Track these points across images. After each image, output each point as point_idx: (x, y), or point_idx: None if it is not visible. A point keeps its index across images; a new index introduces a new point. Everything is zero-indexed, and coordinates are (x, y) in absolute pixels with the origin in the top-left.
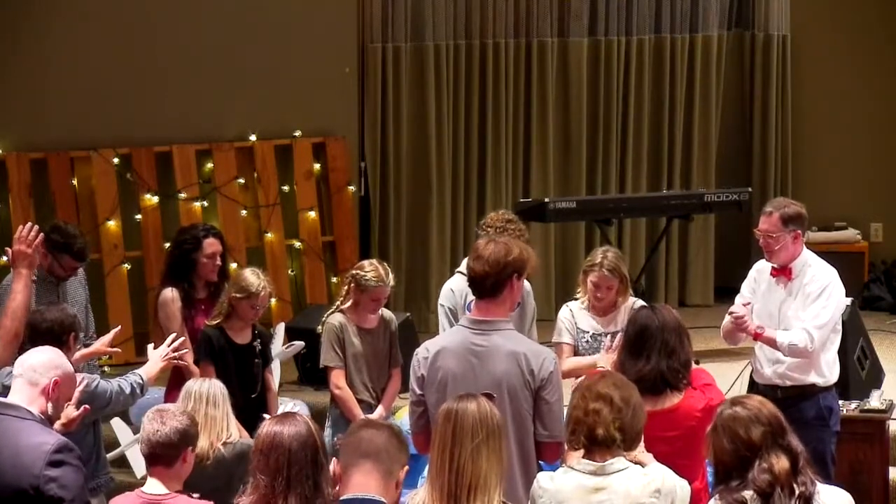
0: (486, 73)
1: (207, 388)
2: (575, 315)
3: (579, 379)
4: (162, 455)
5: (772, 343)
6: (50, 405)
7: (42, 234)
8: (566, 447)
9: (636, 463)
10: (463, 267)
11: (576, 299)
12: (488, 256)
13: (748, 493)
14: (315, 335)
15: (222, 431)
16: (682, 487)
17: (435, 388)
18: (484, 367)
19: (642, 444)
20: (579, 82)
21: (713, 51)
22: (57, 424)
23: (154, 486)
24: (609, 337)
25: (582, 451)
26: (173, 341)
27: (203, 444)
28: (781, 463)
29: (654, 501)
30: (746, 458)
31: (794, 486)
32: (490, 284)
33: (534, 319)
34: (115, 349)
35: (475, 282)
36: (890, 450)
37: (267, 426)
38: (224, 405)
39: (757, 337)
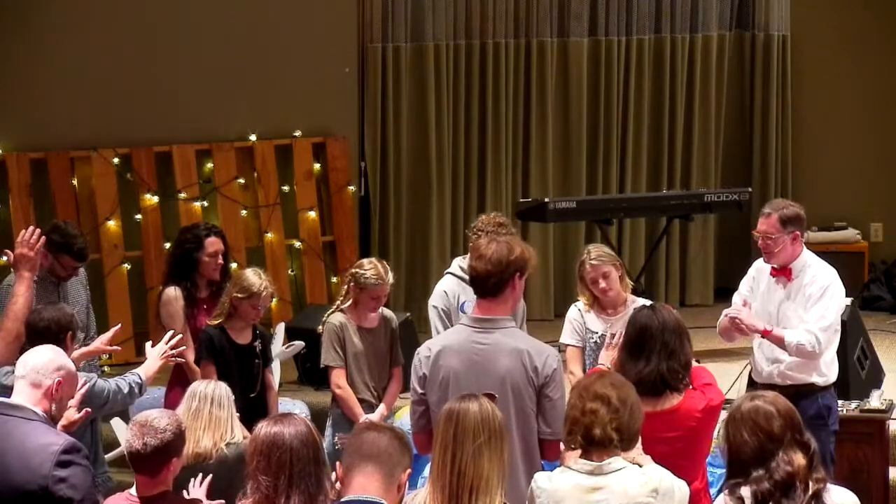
0: (486, 73)
1: (213, 390)
2: (584, 315)
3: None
4: (143, 468)
5: (779, 342)
6: (53, 405)
7: (44, 236)
8: (563, 447)
9: (634, 464)
10: (454, 268)
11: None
12: (490, 256)
13: (753, 489)
14: (315, 335)
15: (226, 432)
16: (679, 488)
17: (437, 387)
18: (487, 365)
19: (640, 445)
20: (579, 82)
21: (713, 51)
22: (58, 426)
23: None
24: (610, 335)
25: (579, 451)
26: (171, 339)
27: (207, 443)
28: (799, 458)
29: (652, 501)
30: (768, 450)
31: (810, 482)
32: (493, 284)
33: (524, 319)
34: (114, 348)
35: (477, 281)
36: (890, 450)
37: (265, 427)
38: (229, 407)
39: (766, 335)
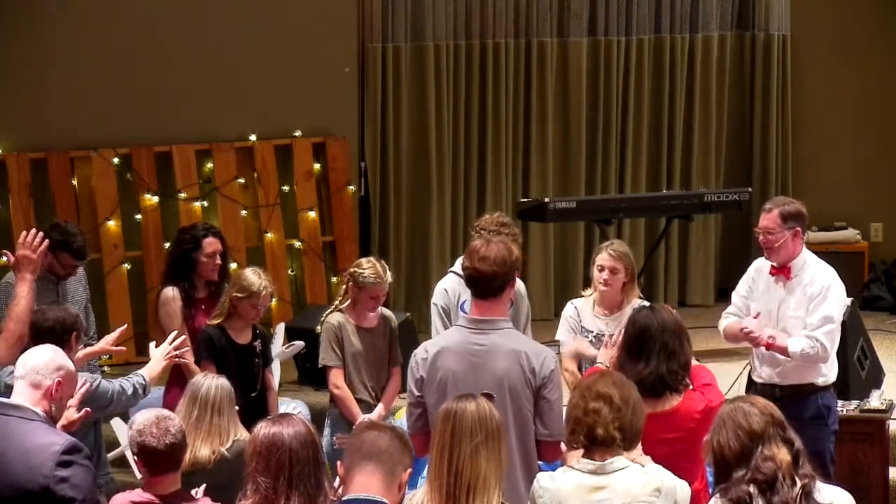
0: (486, 73)
1: (214, 394)
2: (580, 312)
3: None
4: (162, 465)
5: (783, 352)
6: (53, 406)
7: (46, 239)
8: (565, 447)
9: (635, 464)
10: (457, 267)
11: (581, 296)
12: (495, 257)
13: (750, 488)
14: (315, 335)
15: (227, 439)
16: (682, 487)
17: (435, 389)
18: (485, 367)
19: (640, 446)
20: (579, 82)
21: (713, 51)
22: (58, 425)
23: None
24: (608, 334)
25: (581, 451)
26: (174, 339)
27: (205, 452)
28: (783, 453)
29: (654, 500)
30: (749, 448)
31: (796, 477)
32: (498, 284)
33: (528, 321)
34: (118, 348)
35: (481, 282)
36: (890, 450)
37: (263, 428)
38: (230, 408)
39: (769, 347)
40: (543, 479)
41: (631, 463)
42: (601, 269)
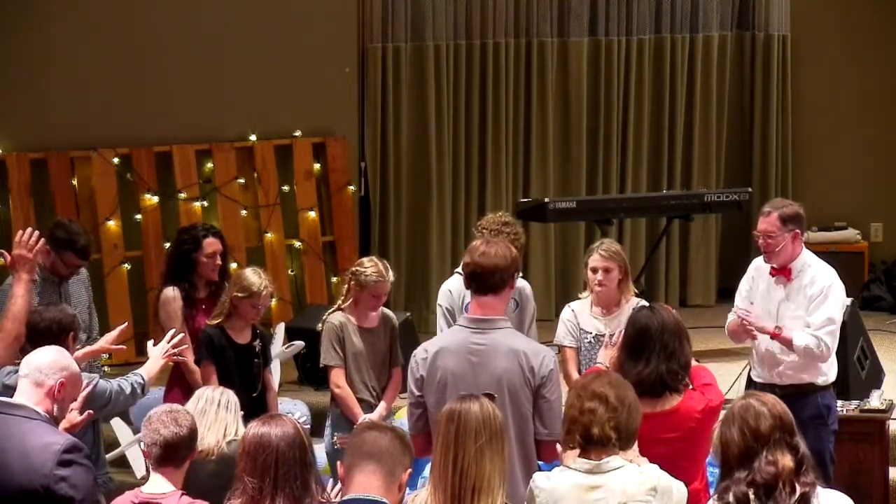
0: (486, 73)
1: (221, 395)
2: (577, 315)
3: None
4: (174, 456)
5: (788, 343)
6: (55, 406)
7: (42, 238)
8: (561, 446)
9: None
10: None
11: (578, 299)
12: (495, 253)
13: (749, 491)
14: (315, 335)
15: (231, 432)
16: (678, 489)
17: (434, 389)
18: (484, 366)
19: (636, 447)
20: (579, 82)
21: (713, 51)
22: (60, 427)
23: (155, 486)
24: (608, 334)
25: (577, 451)
26: (173, 337)
27: (210, 441)
28: (786, 460)
29: (650, 499)
30: (753, 450)
31: (796, 485)
32: (499, 279)
33: (533, 320)
34: (119, 346)
35: (483, 276)
36: (890, 450)
37: (253, 428)
38: (235, 412)
39: (774, 336)
40: (539, 479)
41: (627, 462)
42: (595, 271)
